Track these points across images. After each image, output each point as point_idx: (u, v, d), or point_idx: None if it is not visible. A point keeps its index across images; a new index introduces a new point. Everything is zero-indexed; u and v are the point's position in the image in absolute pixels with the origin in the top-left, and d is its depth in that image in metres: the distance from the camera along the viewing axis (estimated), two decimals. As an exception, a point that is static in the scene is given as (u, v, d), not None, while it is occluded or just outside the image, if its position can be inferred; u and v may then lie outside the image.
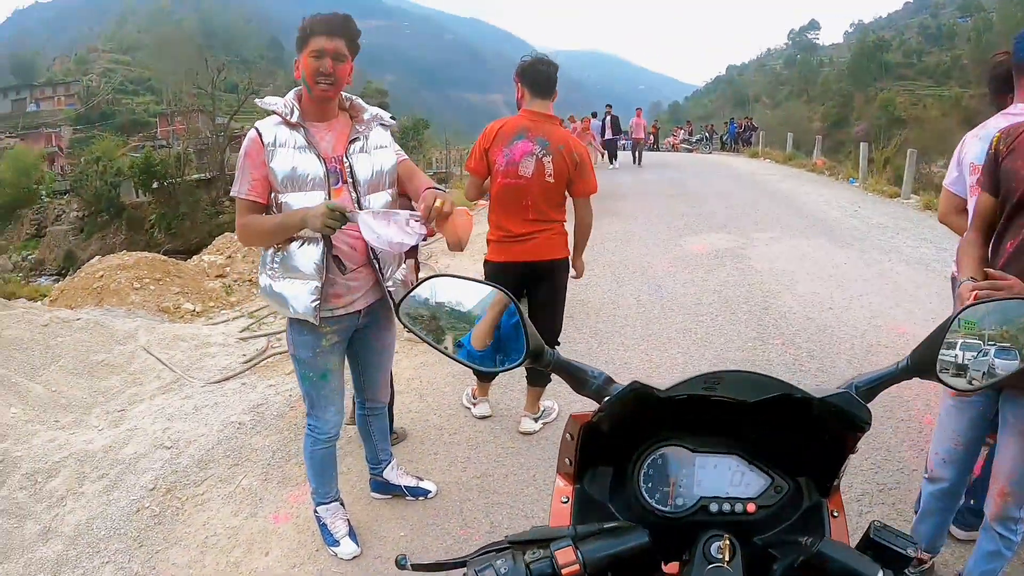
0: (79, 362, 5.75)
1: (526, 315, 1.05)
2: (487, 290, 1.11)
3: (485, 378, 4.37)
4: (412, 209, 2.61)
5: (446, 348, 1.11)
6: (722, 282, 7.29)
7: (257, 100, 2.83)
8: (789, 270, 7.62)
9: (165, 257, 10.49)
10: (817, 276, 7.38)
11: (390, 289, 2.89)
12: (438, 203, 2.42)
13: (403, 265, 3.06)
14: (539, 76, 3.76)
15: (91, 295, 8.85)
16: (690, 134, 40.83)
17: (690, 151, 35.22)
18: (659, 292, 7.03)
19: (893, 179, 17.18)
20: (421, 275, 4.29)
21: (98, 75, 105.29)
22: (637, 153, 24.41)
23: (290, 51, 2.84)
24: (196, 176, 37.82)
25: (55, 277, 31.31)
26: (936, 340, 1.01)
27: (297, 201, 2.63)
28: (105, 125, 77.09)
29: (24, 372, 5.46)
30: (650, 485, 1.06)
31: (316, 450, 3.05)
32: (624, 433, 1.07)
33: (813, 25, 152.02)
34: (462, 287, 1.12)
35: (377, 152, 2.82)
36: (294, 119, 2.64)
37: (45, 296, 11.06)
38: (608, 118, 23.75)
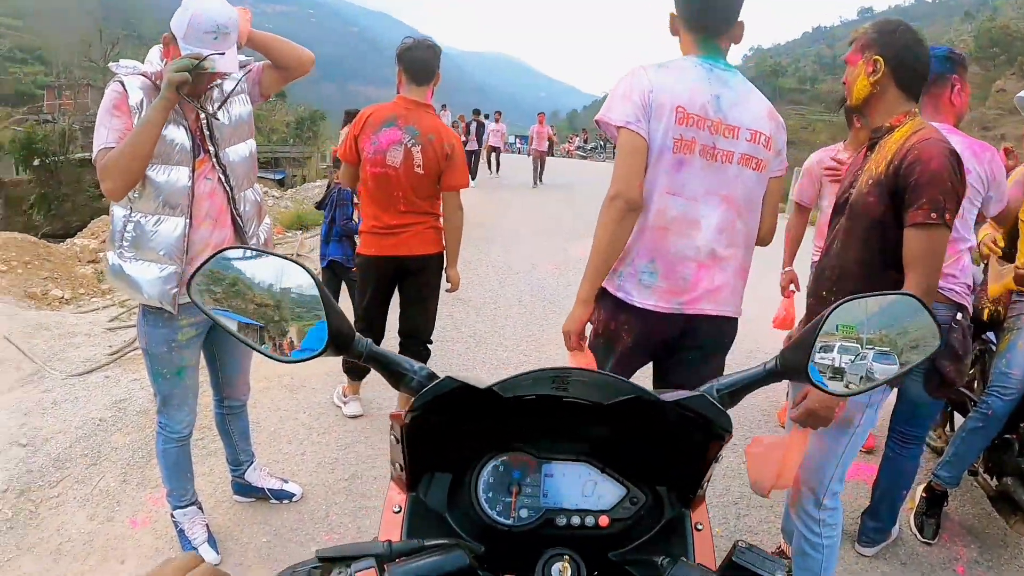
0: (-69, 349, 5.37)
1: (330, 298, 0.94)
2: (293, 268, 0.95)
3: (356, 375, 4.30)
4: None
5: (246, 336, 0.96)
6: (605, 283, 7.38)
7: (112, 65, 2.59)
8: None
9: (35, 239, 9.88)
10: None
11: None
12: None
13: (265, 221, 2.96)
14: (415, 62, 3.67)
15: (-47, 276, 8.31)
16: (585, 142, 41.76)
17: (584, 158, 35.95)
18: (541, 294, 7.13)
19: (780, 196, 18.00)
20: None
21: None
22: (538, 168, 19.68)
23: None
24: (80, 155, 35.93)
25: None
26: (808, 341, 0.96)
27: (160, 176, 2.50)
28: (-11, 94, 73.01)
29: None
30: (490, 495, 0.98)
31: (168, 449, 2.92)
32: (463, 436, 1.00)
33: None
34: (268, 265, 0.96)
35: (234, 101, 2.72)
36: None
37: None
38: (474, 125, 19.47)
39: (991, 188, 2.90)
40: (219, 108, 2.62)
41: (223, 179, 2.66)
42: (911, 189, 2.01)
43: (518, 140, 49.56)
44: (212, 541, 3.07)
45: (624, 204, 2.19)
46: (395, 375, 1.00)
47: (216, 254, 0.95)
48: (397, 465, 1.02)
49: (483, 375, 0.97)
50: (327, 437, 4.09)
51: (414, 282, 3.89)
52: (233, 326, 0.95)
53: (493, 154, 21.41)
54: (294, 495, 3.44)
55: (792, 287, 4.14)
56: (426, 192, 3.73)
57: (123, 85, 2.46)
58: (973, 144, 2.80)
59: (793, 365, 0.99)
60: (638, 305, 2.29)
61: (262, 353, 0.96)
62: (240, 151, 2.73)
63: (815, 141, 53.89)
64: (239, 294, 0.95)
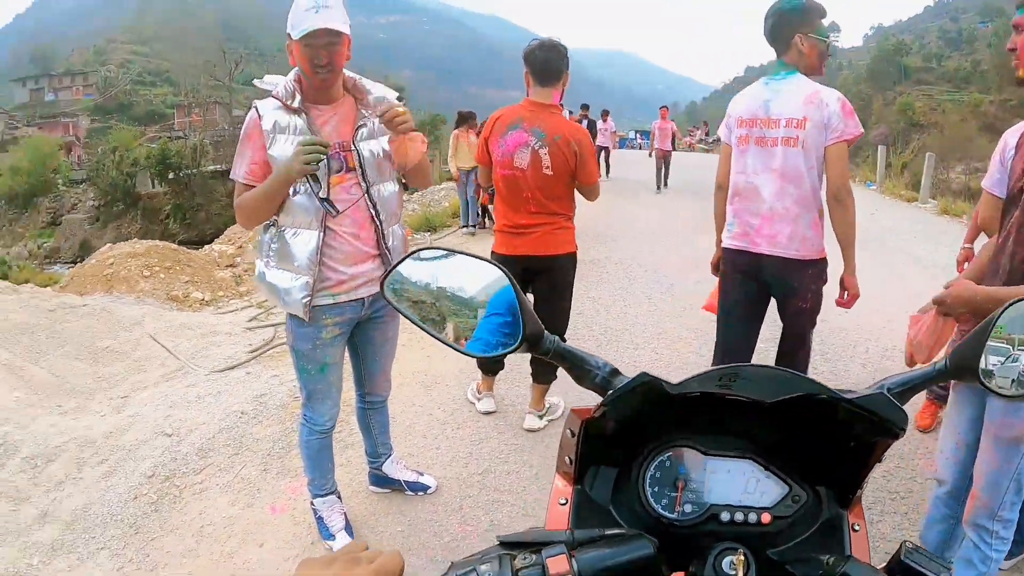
0: (84, 348, 5.74)
1: (524, 296, 0.96)
2: (484, 267, 0.98)
3: (490, 372, 4.31)
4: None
5: (433, 329, 1.00)
6: (736, 282, 7.16)
7: (256, 81, 2.75)
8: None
9: (176, 246, 10.45)
10: (832, 278, 7.21)
11: None
12: (400, 110, 2.56)
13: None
14: (538, 62, 3.64)
15: (101, 282, 8.84)
16: (706, 134, 40.57)
17: (707, 151, 34.87)
18: (671, 291, 6.97)
19: (911, 183, 17.06)
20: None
21: (116, 66, 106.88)
22: (663, 171, 16.69)
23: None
24: (212, 167, 38.04)
25: (70, 265, 31.61)
26: (979, 340, 0.91)
27: (295, 189, 2.57)
28: (123, 115, 78.11)
29: (29, 356, 5.45)
30: (656, 489, 0.97)
31: (311, 440, 2.99)
32: (630, 431, 0.98)
33: (833, 27, 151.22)
34: (457, 263, 1.00)
35: (383, 137, 2.74)
36: (295, 104, 2.55)
37: (56, 283, 11.07)
38: (584, 123, 16.34)
39: None
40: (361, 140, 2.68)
41: (374, 215, 2.71)
42: None
43: (639, 135, 48.52)
44: (349, 529, 3.12)
45: (717, 186, 3.51)
46: (580, 371, 0.98)
47: (410, 254, 1.00)
48: (567, 459, 1.01)
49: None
50: (461, 432, 4.11)
51: (545, 281, 3.85)
52: (426, 323, 0.99)
53: (602, 155, 18.48)
54: (429, 487, 3.46)
55: (967, 265, 3.90)
56: (555, 193, 3.69)
57: (257, 111, 2.57)
58: None
59: (963, 365, 0.94)
60: (725, 244, 3.40)
61: (455, 349, 0.98)
62: (389, 187, 2.78)
63: (946, 123, 50.92)
64: (432, 292, 1.00)
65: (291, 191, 2.57)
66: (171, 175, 37.04)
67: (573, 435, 0.97)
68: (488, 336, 0.99)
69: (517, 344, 0.95)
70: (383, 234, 2.76)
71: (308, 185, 2.54)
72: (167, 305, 8.07)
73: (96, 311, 6.39)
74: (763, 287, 3.34)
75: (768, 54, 3.64)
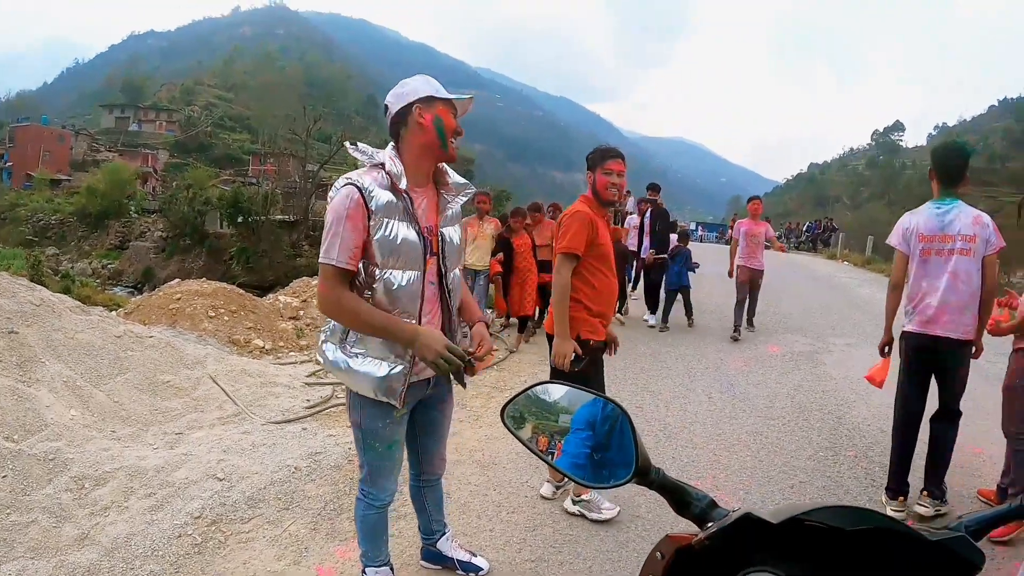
0: (145, 379, 5.80)
1: (637, 432, 1.07)
2: (596, 400, 1.13)
3: None
4: None
5: (548, 456, 1.14)
6: (796, 386, 7.10)
7: (348, 145, 2.64)
8: (865, 380, 7.35)
9: (242, 291, 10.54)
10: (894, 389, 7.04)
11: None
12: (489, 357, 2.73)
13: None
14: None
15: (166, 315, 8.96)
16: (764, 231, 40.70)
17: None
18: (731, 391, 6.84)
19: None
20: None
21: (201, 107, 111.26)
22: (748, 304, 9.84)
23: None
24: (280, 217, 39.16)
25: (131, 289, 32.56)
26: None
27: (395, 278, 2.50)
28: (200, 155, 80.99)
29: (90, 378, 5.53)
30: None
31: (368, 515, 2.92)
32: (718, 555, 0.98)
33: (897, 126, 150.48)
34: (569, 395, 1.15)
35: (458, 226, 2.78)
36: (403, 184, 2.49)
37: (120, 307, 11.27)
38: (649, 214, 10.47)
39: None
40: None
41: (447, 297, 2.73)
42: None
43: (701, 228, 48.11)
44: None
45: (892, 285, 4.34)
46: (680, 502, 1.06)
47: (532, 386, 1.18)
48: None
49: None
50: (516, 516, 4.01)
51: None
52: (542, 452, 1.15)
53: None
54: (481, 569, 3.36)
55: None
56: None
57: (361, 190, 2.43)
58: None
59: None
60: (907, 329, 4.25)
61: (569, 476, 1.13)
62: (457, 274, 2.80)
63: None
64: (552, 423, 1.16)
65: (394, 283, 2.52)
66: (240, 219, 38.11)
67: (662, 557, 1.00)
68: (574, 449, 1.13)
69: (630, 476, 1.06)
70: (451, 318, 2.76)
71: (412, 211, 2.55)
72: (228, 348, 8.14)
73: (161, 344, 6.47)
74: (933, 361, 4.22)
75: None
